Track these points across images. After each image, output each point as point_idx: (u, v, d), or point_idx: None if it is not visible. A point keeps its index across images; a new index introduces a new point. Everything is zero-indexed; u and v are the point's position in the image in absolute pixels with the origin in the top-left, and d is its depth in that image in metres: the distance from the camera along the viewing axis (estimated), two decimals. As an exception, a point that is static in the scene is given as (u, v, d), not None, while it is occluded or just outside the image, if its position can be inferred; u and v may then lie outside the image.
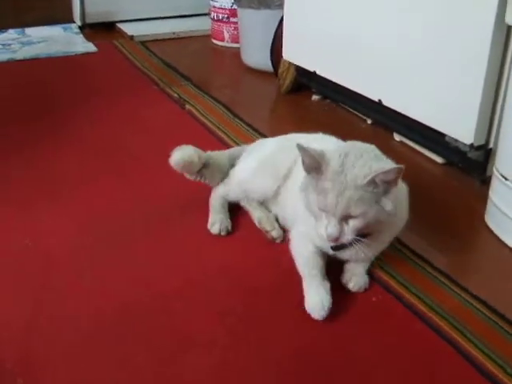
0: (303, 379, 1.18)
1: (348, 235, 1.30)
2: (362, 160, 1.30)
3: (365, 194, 1.27)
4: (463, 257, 1.59)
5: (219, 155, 1.77)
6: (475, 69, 1.76)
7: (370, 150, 1.37)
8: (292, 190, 1.51)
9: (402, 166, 1.28)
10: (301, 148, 1.32)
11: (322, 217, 1.32)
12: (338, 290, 1.39)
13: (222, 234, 1.60)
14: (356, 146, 1.39)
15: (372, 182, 1.26)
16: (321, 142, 1.47)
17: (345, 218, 1.28)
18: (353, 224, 1.28)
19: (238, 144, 2.12)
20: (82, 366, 1.20)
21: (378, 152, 1.37)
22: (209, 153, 1.74)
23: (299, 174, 1.43)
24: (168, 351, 1.23)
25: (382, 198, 1.29)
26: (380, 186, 1.27)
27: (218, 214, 1.64)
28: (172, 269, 1.49)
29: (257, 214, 1.62)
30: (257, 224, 1.62)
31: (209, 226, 1.61)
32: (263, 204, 1.66)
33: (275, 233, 1.57)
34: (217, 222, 1.61)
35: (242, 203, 1.69)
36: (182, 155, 1.63)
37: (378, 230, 1.36)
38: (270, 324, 1.31)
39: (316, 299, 1.32)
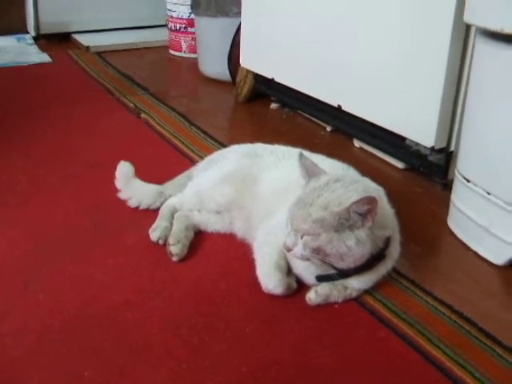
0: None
1: (300, 249, 1.25)
2: (346, 189, 1.26)
3: (328, 219, 1.22)
4: (427, 261, 1.55)
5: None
6: (434, 70, 1.74)
7: (363, 184, 1.32)
8: (261, 196, 1.51)
9: (372, 195, 1.23)
10: (301, 156, 1.35)
11: (288, 225, 1.29)
12: (299, 298, 1.35)
13: (160, 242, 1.54)
14: (351, 178, 1.35)
15: (345, 213, 1.22)
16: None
17: (302, 232, 1.25)
18: (304, 239, 1.25)
19: (193, 151, 2.10)
20: (26, 384, 1.12)
21: (370, 189, 1.31)
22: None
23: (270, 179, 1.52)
24: (118, 364, 1.16)
25: (346, 230, 1.24)
26: (352, 218, 1.23)
27: (164, 221, 1.59)
28: (123, 279, 1.42)
29: (174, 227, 1.56)
30: None
31: (150, 231, 1.56)
32: (223, 217, 1.61)
33: (174, 248, 1.49)
34: (158, 229, 1.56)
35: (177, 214, 1.61)
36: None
37: (342, 261, 1.28)
38: (226, 336, 1.25)
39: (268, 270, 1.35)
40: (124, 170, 1.73)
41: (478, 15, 1.45)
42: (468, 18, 1.50)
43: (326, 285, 1.34)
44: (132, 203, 1.71)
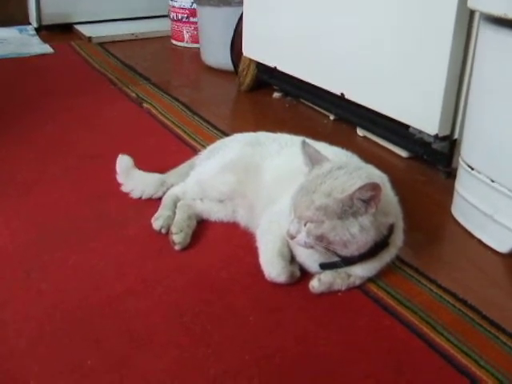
0: (265, 382, 1.11)
1: (303, 237, 1.24)
2: (350, 176, 1.25)
3: (331, 206, 1.21)
4: (431, 250, 1.54)
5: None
6: (438, 57, 1.72)
7: (366, 171, 1.30)
8: (264, 184, 1.50)
9: (376, 182, 1.21)
10: (304, 144, 1.33)
11: (291, 212, 1.28)
12: (303, 286, 1.34)
13: (163, 231, 1.53)
14: (355, 165, 1.34)
15: (348, 199, 1.21)
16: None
17: (305, 220, 1.24)
18: (308, 227, 1.24)
19: (195, 141, 2.09)
20: (26, 374, 1.11)
21: (373, 176, 1.29)
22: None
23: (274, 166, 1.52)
24: (121, 353, 1.15)
25: (349, 217, 1.22)
26: (355, 205, 1.22)
27: (167, 210, 1.58)
28: (125, 268, 1.42)
29: (177, 216, 1.55)
30: None
31: (152, 220, 1.56)
32: (225, 206, 1.60)
33: (177, 237, 1.49)
34: (161, 218, 1.55)
35: (179, 203, 1.61)
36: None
37: (346, 248, 1.27)
38: (229, 324, 1.24)
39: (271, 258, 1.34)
40: (123, 163, 1.72)
41: (482, 1, 1.43)
42: (472, 3, 1.49)
43: (330, 273, 1.33)
44: (135, 194, 1.70)
